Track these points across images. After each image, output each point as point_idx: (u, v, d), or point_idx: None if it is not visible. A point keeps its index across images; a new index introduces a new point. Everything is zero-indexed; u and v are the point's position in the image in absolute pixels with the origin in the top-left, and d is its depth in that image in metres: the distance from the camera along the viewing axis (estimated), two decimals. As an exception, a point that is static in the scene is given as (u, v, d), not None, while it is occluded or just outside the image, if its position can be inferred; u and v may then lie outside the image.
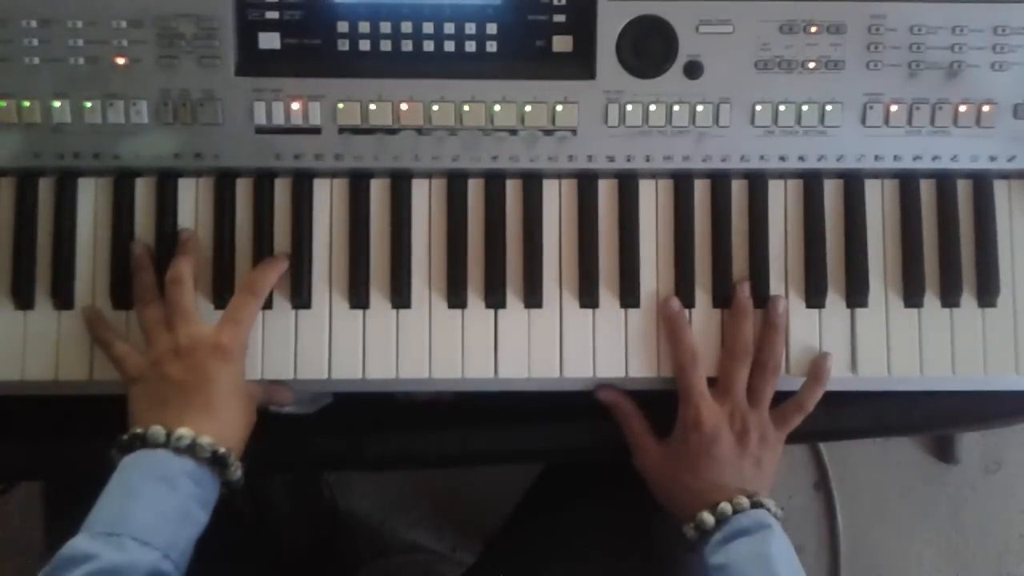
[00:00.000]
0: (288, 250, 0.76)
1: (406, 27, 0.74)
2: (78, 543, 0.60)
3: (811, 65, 0.75)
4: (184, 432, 0.66)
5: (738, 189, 0.78)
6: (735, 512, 0.71)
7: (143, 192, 0.76)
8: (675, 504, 0.75)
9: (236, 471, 0.68)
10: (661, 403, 0.76)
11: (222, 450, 0.67)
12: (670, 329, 0.76)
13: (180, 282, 0.72)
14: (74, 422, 0.78)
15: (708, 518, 0.71)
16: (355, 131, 0.75)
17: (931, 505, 1.54)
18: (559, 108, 0.74)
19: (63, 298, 0.75)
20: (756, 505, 0.72)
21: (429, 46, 0.74)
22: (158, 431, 0.66)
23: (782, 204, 0.78)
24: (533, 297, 0.76)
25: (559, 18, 0.74)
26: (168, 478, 0.64)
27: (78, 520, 0.63)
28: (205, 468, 0.66)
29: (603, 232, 0.77)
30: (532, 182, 0.77)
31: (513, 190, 0.77)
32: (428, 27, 0.74)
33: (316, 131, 0.74)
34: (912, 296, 0.77)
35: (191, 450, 0.66)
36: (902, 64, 0.75)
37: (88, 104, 0.73)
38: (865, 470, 1.53)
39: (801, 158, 0.76)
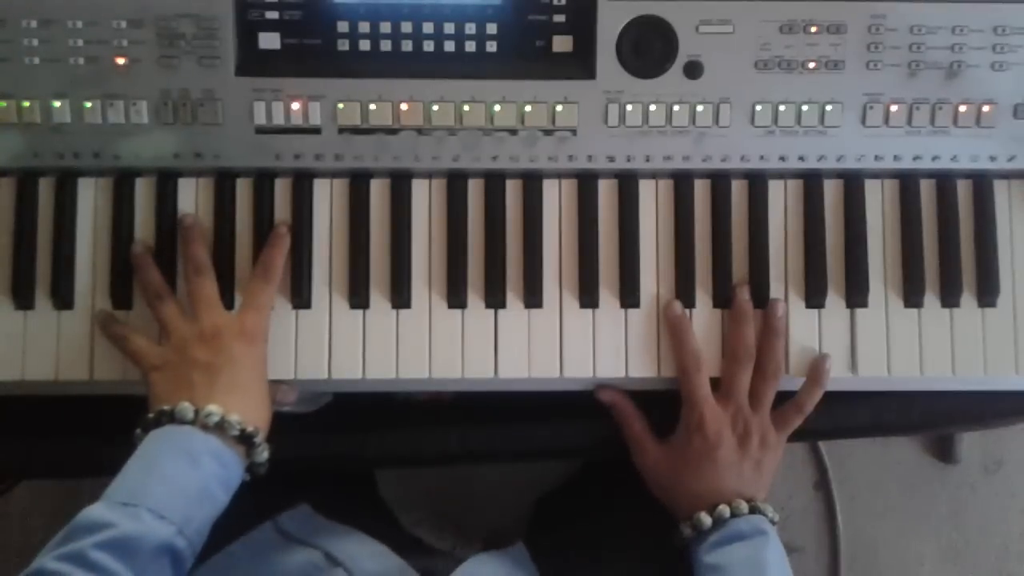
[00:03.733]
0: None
1: (406, 27, 0.74)
2: (94, 511, 0.60)
3: (811, 65, 0.75)
4: (214, 409, 0.66)
5: (738, 189, 0.78)
6: (733, 516, 0.72)
7: (143, 192, 0.76)
8: (673, 503, 0.76)
9: (263, 452, 0.69)
10: (661, 403, 0.76)
11: (250, 428, 0.67)
12: (673, 333, 0.76)
13: (202, 272, 0.73)
14: (74, 422, 0.78)
15: (705, 519, 0.72)
16: (355, 131, 0.75)
17: (931, 505, 1.54)
18: (559, 108, 0.74)
19: (63, 298, 0.75)
20: (754, 510, 0.72)
21: (429, 46, 0.74)
22: (186, 407, 0.66)
23: (782, 204, 0.78)
24: (533, 297, 0.76)
25: (559, 18, 0.74)
26: (192, 454, 0.64)
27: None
28: (231, 448, 0.66)
29: (603, 232, 0.77)
30: (532, 182, 0.77)
31: (513, 190, 0.77)
32: (428, 27, 0.74)
33: (316, 131, 0.75)
34: (912, 296, 0.77)
35: (220, 427, 0.66)
36: (902, 64, 0.75)
37: (88, 104, 0.73)
38: (865, 470, 1.53)
39: (801, 158, 0.76)
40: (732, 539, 0.71)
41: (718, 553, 0.70)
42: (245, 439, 0.67)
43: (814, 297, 0.77)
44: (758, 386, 0.75)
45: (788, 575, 0.70)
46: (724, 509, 0.72)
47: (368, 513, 0.91)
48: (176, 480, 0.63)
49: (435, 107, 0.74)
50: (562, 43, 0.75)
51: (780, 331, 0.76)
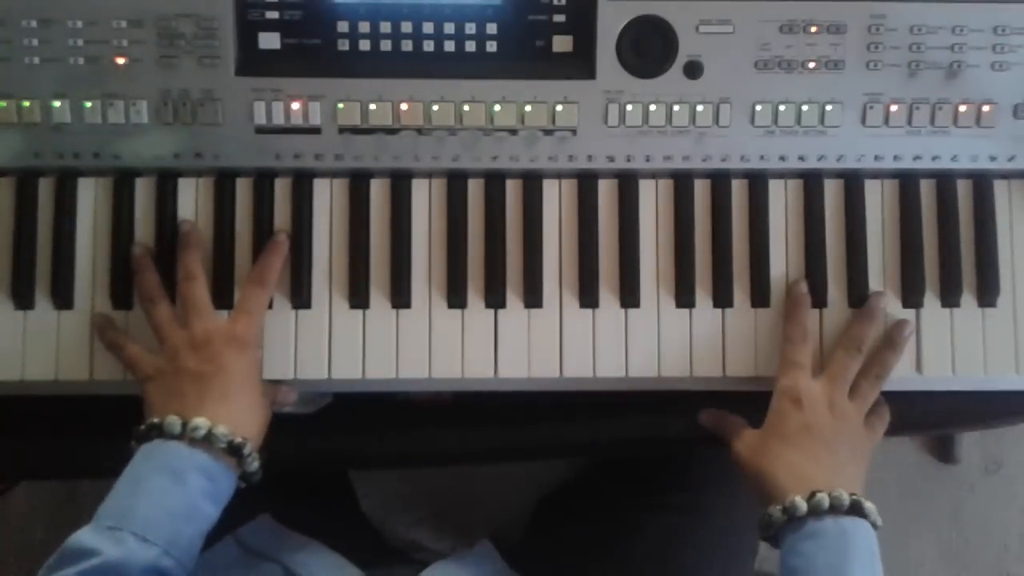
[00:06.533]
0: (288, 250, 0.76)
1: (406, 27, 0.74)
2: (83, 537, 0.61)
3: (811, 65, 0.75)
4: (200, 422, 0.66)
5: (738, 189, 0.78)
6: (832, 508, 0.66)
7: (143, 192, 0.76)
8: (769, 483, 0.70)
9: (253, 462, 0.68)
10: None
11: (238, 439, 0.67)
12: (791, 306, 0.75)
13: (192, 278, 0.73)
14: (74, 422, 0.78)
15: (801, 505, 0.66)
16: (355, 131, 0.75)
17: (931, 505, 1.54)
18: (559, 108, 0.74)
19: (63, 298, 0.75)
20: (855, 506, 0.67)
21: (429, 46, 0.74)
22: (174, 421, 0.66)
23: (782, 204, 0.78)
24: (533, 297, 0.76)
25: (559, 18, 0.74)
26: (178, 472, 0.64)
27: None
28: (220, 461, 0.66)
29: (603, 232, 0.77)
30: (532, 182, 0.77)
31: (513, 190, 0.77)
32: (428, 27, 0.74)
33: (316, 131, 0.75)
34: (912, 296, 0.77)
35: (207, 440, 0.66)
36: (902, 64, 0.75)
37: (88, 104, 0.73)
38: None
39: (801, 158, 0.76)
40: (819, 535, 0.65)
41: (799, 553, 0.65)
42: (234, 450, 0.67)
43: (814, 296, 0.77)
44: (860, 383, 0.74)
45: None
46: (823, 498, 0.66)
47: (339, 523, 0.90)
48: (161, 500, 0.63)
49: (435, 107, 0.74)
50: (562, 43, 0.75)
51: (899, 347, 0.75)
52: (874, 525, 0.67)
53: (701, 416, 0.78)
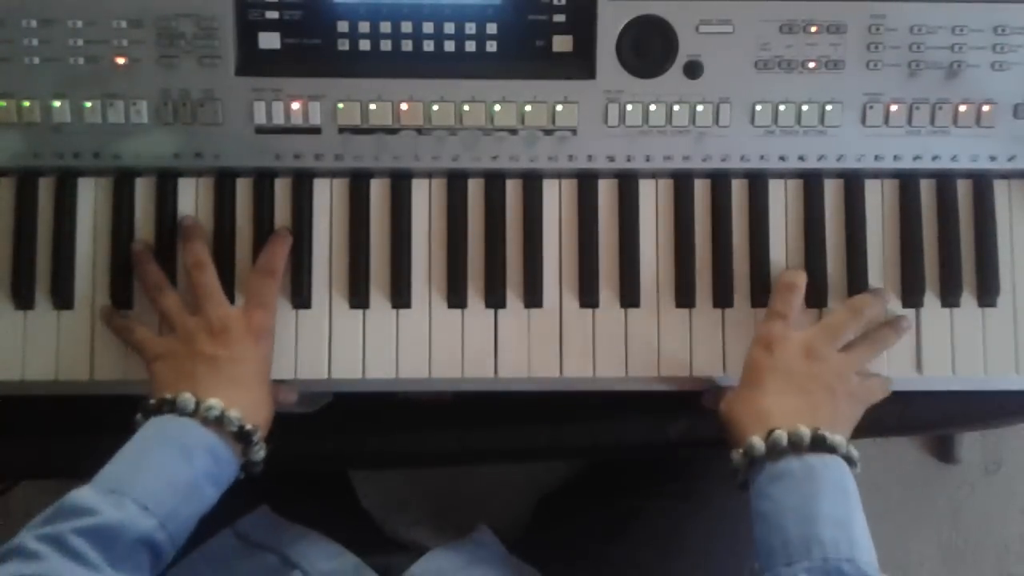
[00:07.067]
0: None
1: (406, 27, 0.74)
2: (81, 495, 0.60)
3: (811, 65, 0.75)
4: (215, 403, 0.66)
5: (738, 189, 0.78)
6: (792, 444, 0.62)
7: (143, 192, 0.76)
8: (735, 429, 0.68)
9: (260, 450, 0.68)
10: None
11: (249, 425, 0.67)
12: (785, 277, 0.74)
13: (203, 266, 0.73)
14: (74, 422, 0.78)
15: (758, 444, 0.63)
16: (355, 131, 0.75)
17: (931, 505, 1.54)
18: (559, 108, 0.74)
19: (63, 298, 0.75)
20: (818, 441, 0.62)
21: (429, 46, 0.74)
22: (188, 398, 0.66)
23: (782, 204, 0.78)
24: (533, 297, 0.76)
25: (559, 18, 0.74)
26: (186, 448, 0.64)
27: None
28: (227, 445, 0.66)
29: (603, 232, 0.77)
30: (532, 182, 0.77)
31: (513, 190, 0.77)
32: (428, 27, 0.74)
33: (316, 131, 0.75)
34: (912, 296, 0.77)
35: (219, 422, 0.66)
36: (902, 64, 0.75)
37: (88, 104, 0.73)
38: (865, 470, 1.51)
39: (801, 158, 0.76)
40: (784, 476, 0.62)
41: (766, 498, 0.62)
42: (243, 436, 0.67)
43: (814, 297, 0.77)
44: (855, 343, 0.73)
45: (850, 526, 0.61)
46: (780, 435, 0.62)
47: (338, 516, 0.90)
48: (166, 473, 0.63)
49: (435, 107, 0.74)
50: (562, 43, 0.75)
51: (899, 330, 0.75)
52: (849, 459, 0.65)
53: (704, 397, 0.77)
